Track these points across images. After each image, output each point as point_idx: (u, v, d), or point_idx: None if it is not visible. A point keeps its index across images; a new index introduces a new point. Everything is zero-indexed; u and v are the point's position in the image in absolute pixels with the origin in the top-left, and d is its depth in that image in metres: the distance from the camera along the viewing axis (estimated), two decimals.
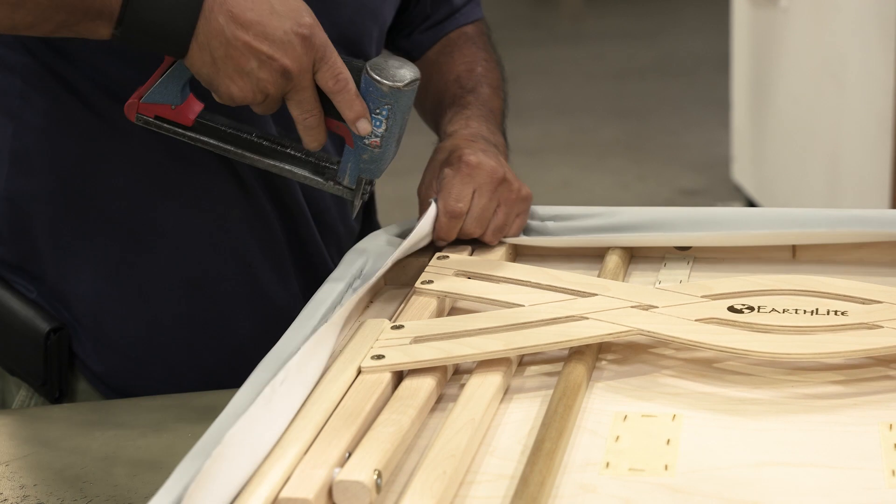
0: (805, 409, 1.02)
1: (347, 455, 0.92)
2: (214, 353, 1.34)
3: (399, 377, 1.06)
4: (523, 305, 1.16)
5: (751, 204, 4.24)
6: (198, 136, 1.21)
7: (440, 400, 1.06)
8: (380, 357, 1.06)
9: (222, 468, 0.86)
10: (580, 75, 6.43)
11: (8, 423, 1.23)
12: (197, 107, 1.21)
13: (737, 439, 0.98)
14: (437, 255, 1.28)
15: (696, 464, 0.94)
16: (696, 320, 1.10)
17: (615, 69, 6.49)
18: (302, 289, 1.36)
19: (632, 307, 1.13)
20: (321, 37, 1.13)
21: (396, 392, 1.03)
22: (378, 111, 1.16)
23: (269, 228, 1.34)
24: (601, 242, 1.32)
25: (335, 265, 1.28)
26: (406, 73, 1.17)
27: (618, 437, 0.98)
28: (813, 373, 1.07)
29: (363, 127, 1.17)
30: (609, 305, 1.13)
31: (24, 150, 1.28)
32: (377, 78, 1.15)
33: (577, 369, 1.06)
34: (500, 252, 1.31)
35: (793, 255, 1.31)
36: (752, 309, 1.12)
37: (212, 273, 1.32)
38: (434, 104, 1.43)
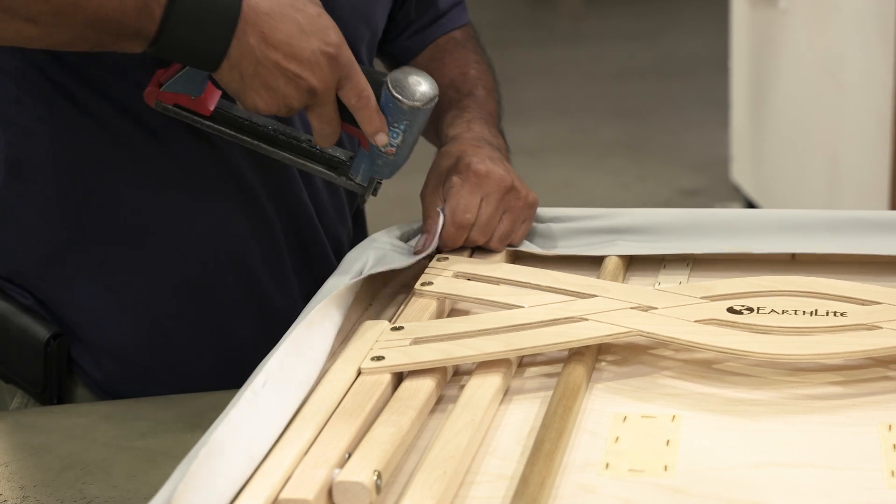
0: (804, 409, 1.02)
1: (347, 456, 0.92)
2: (213, 357, 1.34)
3: (399, 378, 1.06)
4: (523, 307, 1.16)
5: (750, 204, 4.24)
6: (215, 126, 1.23)
7: (440, 401, 1.06)
8: (380, 358, 1.06)
9: (211, 469, 0.87)
10: (580, 75, 6.44)
11: (8, 424, 1.23)
12: (216, 96, 1.23)
13: (736, 440, 0.98)
14: (437, 256, 1.28)
15: (695, 464, 0.94)
16: (695, 321, 1.10)
17: (615, 69, 6.49)
18: (301, 292, 1.36)
19: (631, 308, 1.13)
20: (347, 55, 1.15)
21: (396, 393, 1.03)
22: (396, 125, 1.19)
23: (271, 231, 1.34)
24: (600, 252, 1.32)
25: (334, 267, 1.28)
26: (425, 90, 1.19)
27: (617, 438, 0.99)
28: (812, 373, 1.07)
29: (380, 140, 1.19)
30: (608, 307, 1.13)
31: (19, 156, 1.28)
32: (398, 96, 1.18)
33: (577, 370, 1.07)
34: (499, 254, 1.31)
35: (792, 256, 1.32)
36: (751, 310, 1.12)
37: (211, 277, 1.32)
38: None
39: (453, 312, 1.24)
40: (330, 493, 0.88)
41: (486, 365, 1.07)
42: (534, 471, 0.91)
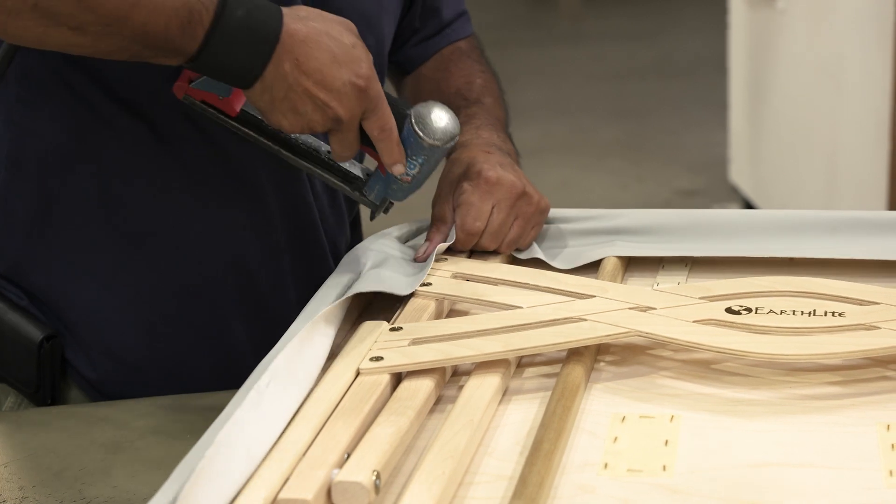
0: (803, 409, 1.02)
1: (346, 456, 0.92)
2: (210, 358, 1.34)
3: (398, 379, 1.06)
4: (522, 307, 1.16)
5: (748, 205, 4.24)
6: (240, 127, 1.24)
7: (439, 401, 1.06)
8: (378, 359, 1.06)
9: (217, 469, 0.87)
10: (579, 76, 6.44)
11: (7, 425, 1.23)
12: (243, 99, 1.24)
13: (735, 440, 0.98)
14: (436, 257, 1.28)
15: (694, 464, 0.94)
16: (693, 322, 1.10)
17: (614, 70, 6.49)
18: (298, 296, 1.36)
19: (630, 309, 1.13)
20: (376, 88, 1.17)
21: (395, 393, 1.03)
22: (414, 157, 1.21)
23: (273, 233, 1.34)
24: (599, 253, 1.32)
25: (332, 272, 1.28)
26: (447, 129, 1.21)
27: (616, 438, 0.99)
28: (811, 373, 1.07)
29: (397, 170, 1.21)
30: (607, 307, 1.13)
31: (19, 155, 1.28)
32: (419, 133, 1.20)
33: (576, 370, 1.07)
34: (498, 255, 1.31)
35: (790, 257, 1.32)
36: (749, 310, 1.12)
37: (211, 279, 1.32)
38: None
39: (452, 313, 1.24)
40: (329, 493, 0.88)
41: (485, 365, 1.07)
42: (532, 471, 0.91)
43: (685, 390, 1.06)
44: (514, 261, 1.32)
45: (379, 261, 1.26)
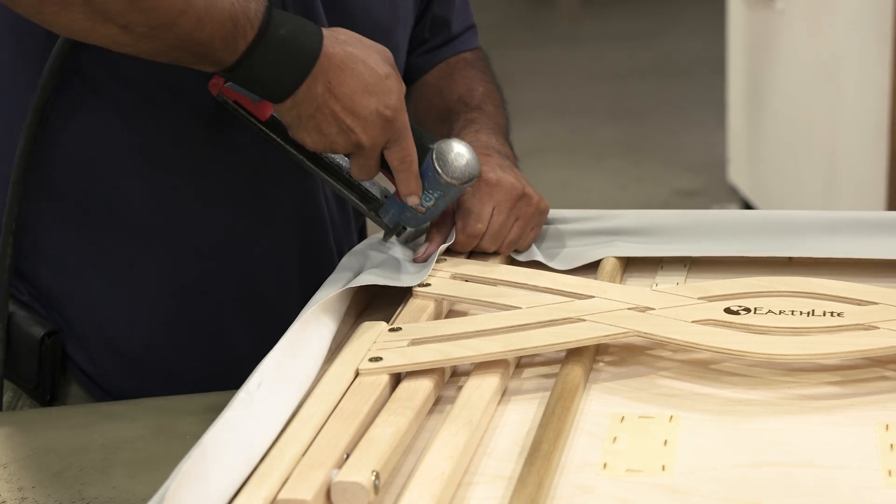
0: (802, 409, 1.02)
1: (346, 456, 0.92)
2: (212, 358, 1.34)
3: (397, 379, 1.06)
4: (520, 308, 1.16)
5: (747, 205, 4.25)
6: (267, 132, 1.26)
7: (438, 402, 1.06)
8: (377, 359, 1.06)
9: (205, 470, 0.87)
10: (578, 76, 6.44)
11: (6, 425, 1.23)
12: None
13: (734, 440, 0.98)
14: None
15: (693, 464, 0.95)
16: (692, 322, 1.10)
17: (613, 70, 6.49)
18: (303, 299, 1.36)
19: (629, 309, 1.13)
20: (402, 120, 1.19)
21: (394, 394, 1.03)
22: (431, 191, 1.24)
23: (281, 237, 1.34)
24: (598, 253, 1.32)
25: None
26: (466, 169, 1.23)
27: (615, 438, 0.99)
28: (809, 374, 1.07)
29: (412, 201, 1.24)
30: (606, 307, 1.13)
31: (35, 153, 1.28)
32: (438, 169, 1.23)
33: (575, 371, 1.07)
34: (497, 255, 1.31)
35: (789, 257, 1.32)
36: (748, 310, 1.12)
37: (213, 279, 1.32)
38: (439, 123, 1.44)
39: (451, 313, 1.24)
40: (328, 493, 0.88)
41: (484, 366, 1.07)
42: (532, 471, 0.91)
43: (684, 390, 1.07)
44: (512, 262, 1.32)
45: (379, 261, 1.26)
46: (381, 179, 1.29)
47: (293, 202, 1.35)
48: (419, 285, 1.22)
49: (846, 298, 1.13)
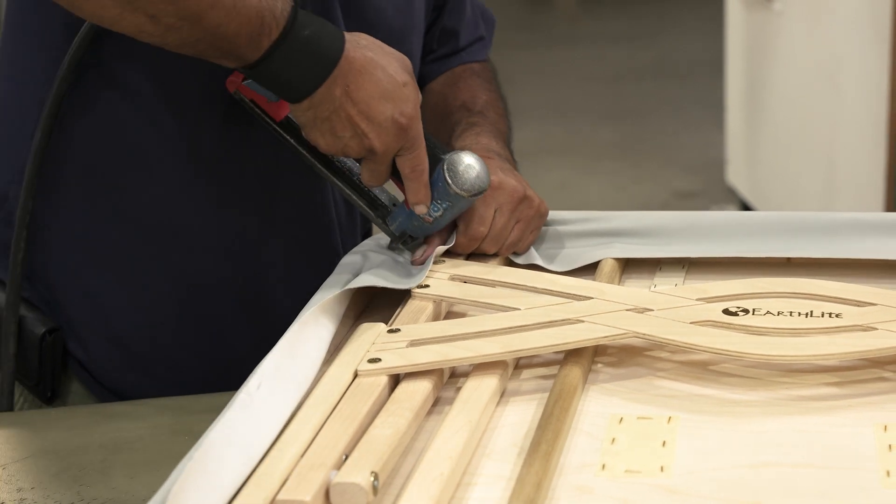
0: (800, 410, 1.02)
1: (344, 457, 0.92)
2: (212, 357, 1.34)
3: (396, 380, 1.06)
4: (519, 309, 1.16)
5: (745, 206, 4.24)
6: (281, 132, 1.27)
7: (437, 403, 1.07)
8: (376, 360, 1.06)
9: (206, 470, 0.87)
10: (576, 77, 6.44)
11: (4, 427, 1.23)
12: (289, 107, 1.26)
13: (732, 441, 0.98)
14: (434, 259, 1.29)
15: (691, 465, 0.95)
16: (691, 323, 1.11)
17: (611, 71, 6.49)
18: (306, 300, 1.36)
19: (627, 310, 1.13)
20: (416, 129, 1.20)
21: (393, 395, 1.03)
22: (440, 201, 1.25)
23: (287, 237, 1.34)
24: (597, 254, 1.32)
25: None
26: (476, 182, 1.24)
27: (614, 439, 0.99)
28: (808, 375, 1.07)
29: (419, 209, 1.25)
30: (605, 309, 1.13)
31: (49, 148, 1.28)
32: (448, 180, 1.23)
33: (573, 372, 1.07)
34: (496, 257, 1.31)
35: (787, 258, 1.32)
36: (746, 311, 1.12)
37: (220, 278, 1.32)
38: (441, 128, 1.44)
39: (450, 315, 1.24)
40: (327, 494, 0.88)
41: (483, 367, 1.08)
42: (530, 472, 0.91)
43: (683, 391, 1.07)
44: (511, 265, 1.32)
45: (378, 262, 1.26)
46: (391, 188, 1.29)
47: (303, 204, 1.35)
48: (418, 286, 1.22)
49: (844, 299, 1.14)
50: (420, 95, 1.21)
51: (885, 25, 3.11)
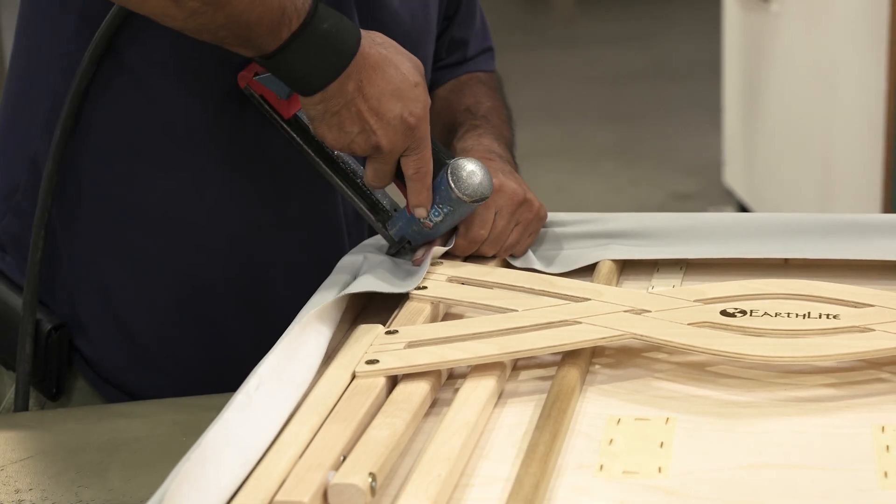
0: (798, 411, 1.02)
1: (342, 458, 0.92)
2: (214, 355, 1.34)
3: (393, 382, 1.06)
4: (517, 310, 1.16)
5: (742, 208, 4.25)
6: (289, 130, 1.27)
7: (434, 404, 1.07)
8: (374, 362, 1.06)
9: (203, 472, 0.87)
10: (573, 79, 6.44)
11: (3, 427, 1.23)
12: (299, 105, 1.26)
13: (730, 442, 0.98)
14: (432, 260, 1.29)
15: (689, 466, 0.95)
16: (688, 324, 1.11)
17: (608, 73, 6.50)
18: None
19: (625, 311, 1.13)
20: (424, 130, 1.21)
21: (391, 396, 1.03)
22: (441, 205, 1.25)
23: (296, 238, 1.34)
24: (594, 256, 1.32)
25: None
26: (478, 188, 1.24)
27: (611, 440, 0.99)
28: (805, 376, 1.08)
29: (419, 213, 1.25)
30: (602, 310, 1.14)
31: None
32: (451, 184, 1.23)
33: (571, 373, 1.07)
34: (493, 259, 1.31)
35: (785, 260, 1.32)
36: (744, 313, 1.12)
37: (227, 277, 1.32)
38: (445, 132, 1.44)
39: (447, 316, 1.24)
40: (325, 495, 0.88)
41: (481, 368, 1.08)
42: (528, 473, 0.91)
43: (680, 392, 1.07)
44: (508, 266, 1.33)
45: (375, 263, 1.27)
46: (394, 195, 1.29)
47: (313, 206, 1.35)
48: (416, 288, 1.22)
49: (842, 301, 1.14)
50: (429, 99, 1.21)
51: (882, 27, 3.11)
